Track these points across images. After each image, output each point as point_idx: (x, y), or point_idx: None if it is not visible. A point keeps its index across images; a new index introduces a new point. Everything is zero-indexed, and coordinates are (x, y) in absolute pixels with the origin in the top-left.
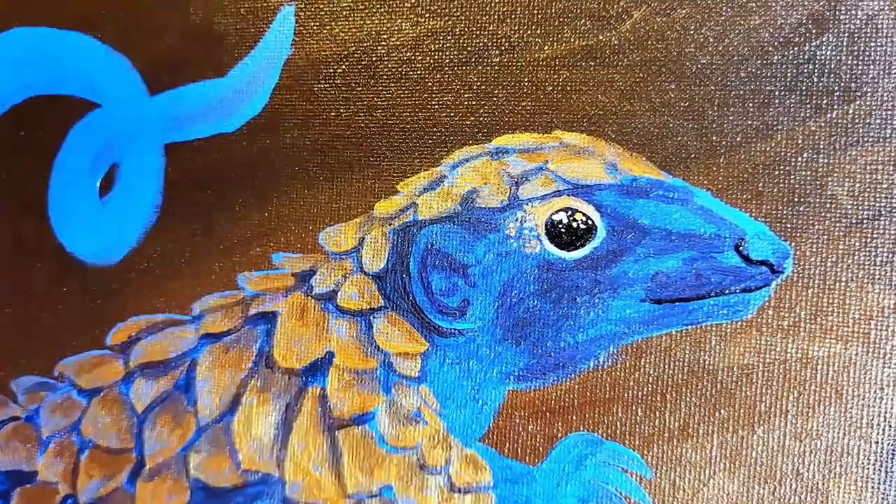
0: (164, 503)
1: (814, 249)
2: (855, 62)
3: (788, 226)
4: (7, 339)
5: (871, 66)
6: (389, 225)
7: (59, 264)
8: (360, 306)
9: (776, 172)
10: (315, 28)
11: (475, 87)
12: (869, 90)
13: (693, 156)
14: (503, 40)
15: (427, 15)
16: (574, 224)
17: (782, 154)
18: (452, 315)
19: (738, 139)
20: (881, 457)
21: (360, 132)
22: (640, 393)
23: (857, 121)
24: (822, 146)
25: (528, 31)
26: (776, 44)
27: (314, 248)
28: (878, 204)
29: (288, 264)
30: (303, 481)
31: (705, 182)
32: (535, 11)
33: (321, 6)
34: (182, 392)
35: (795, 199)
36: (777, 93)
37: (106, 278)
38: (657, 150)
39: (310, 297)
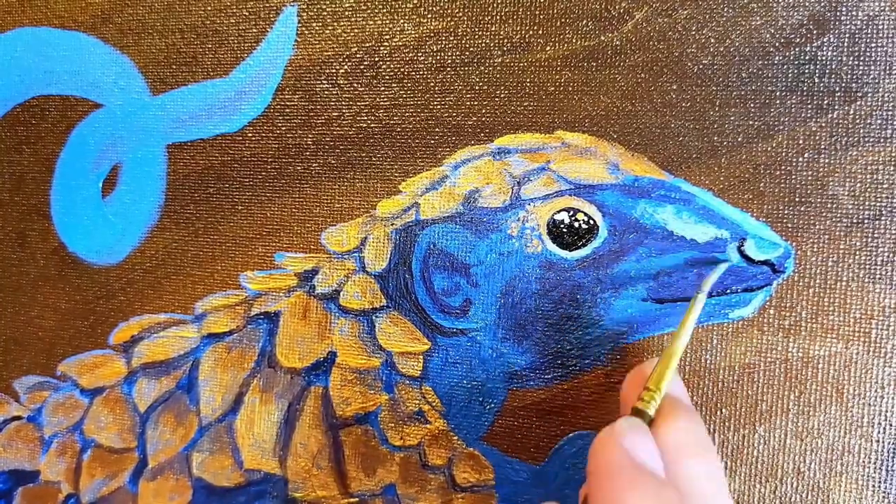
0: (166, 502)
1: (815, 249)
2: (856, 63)
3: (790, 225)
4: (9, 338)
5: (872, 67)
6: (392, 225)
7: (62, 264)
8: (363, 306)
9: (777, 172)
10: (317, 28)
11: (477, 88)
12: (870, 91)
13: (695, 156)
14: (505, 41)
15: (429, 15)
16: (576, 224)
17: (783, 154)
18: (454, 314)
19: (739, 139)
20: (882, 455)
21: (363, 132)
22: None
23: (858, 121)
24: (823, 146)
25: (531, 32)
26: (777, 44)
27: (316, 248)
28: (878, 204)
29: (290, 264)
30: (305, 480)
31: (707, 182)
32: (538, 12)
33: (324, 6)
34: (184, 391)
35: (797, 199)
36: (778, 93)
37: (108, 278)
38: (659, 150)
39: (312, 297)
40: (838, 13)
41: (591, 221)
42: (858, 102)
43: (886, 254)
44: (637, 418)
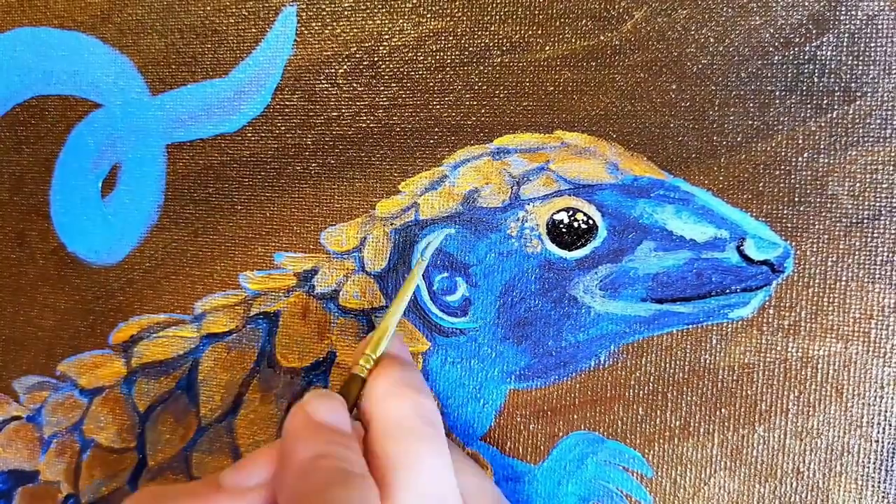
0: None
1: (814, 249)
2: (855, 62)
3: (789, 225)
4: (8, 338)
5: (872, 67)
6: (391, 224)
7: (61, 264)
8: (362, 305)
9: (777, 172)
10: (317, 28)
11: (476, 88)
12: (869, 90)
13: (694, 156)
14: (504, 40)
15: (429, 15)
16: (575, 224)
17: (783, 154)
18: (454, 314)
19: (738, 139)
20: (881, 455)
21: (362, 132)
22: (641, 392)
23: (857, 121)
24: (822, 146)
25: (530, 32)
26: (777, 44)
27: (316, 248)
28: (878, 204)
29: (290, 264)
30: None
31: (706, 182)
32: (537, 12)
33: (323, 6)
34: (184, 391)
35: (796, 199)
36: (778, 93)
37: (107, 278)
38: (658, 150)
39: (312, 297)
40: (838, 13)
41: (591, 221)
42: (858, 102)
43: (886, 254)
44: (322, 388)
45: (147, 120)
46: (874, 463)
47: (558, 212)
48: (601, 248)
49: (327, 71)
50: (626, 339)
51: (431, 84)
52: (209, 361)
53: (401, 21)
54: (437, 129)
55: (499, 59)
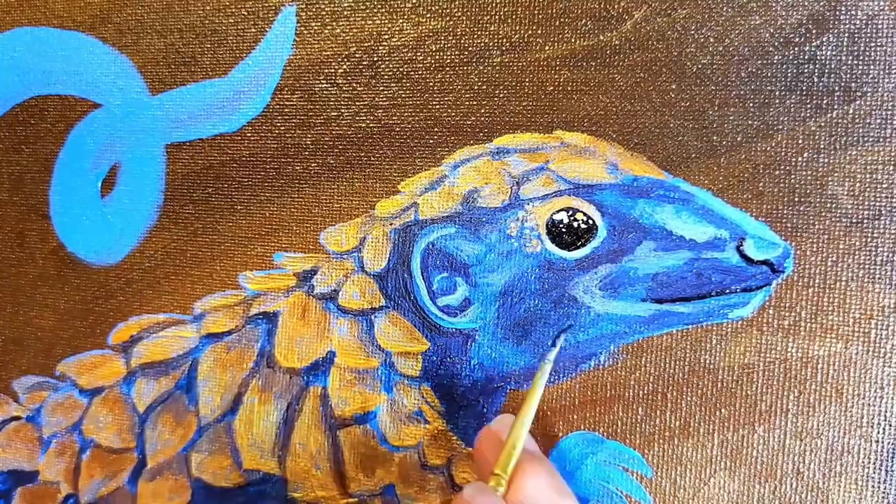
0: (165, 502)
1: (814, 249)
2: (855, 62)
3: (789, 225)
4: (8, 338)
5: (872, 66)
6: (391, 224)
7: (61, 264)
8: (362, 306)
9: (777, 172)
10: (316, 28)
11: (476, 88)
12: (869, 90)
13: (694, 155)
14: (504, 40)
15: (428, 15)
16: (575, 224)
17: (783, 154)
18: (453, 314)
19: (738, 139)
20: (881, 456)
21: (362, 132)
22: (640, 392)
23: (857, 121)
24: (822, 146)
25: (529, 32)
26: (777, 44)
27: (315, 248)
28: (878, 203)
29: (289, 264)
30: (304, 480)
31: (706, 182)
32: (536, 12)
33: (322, 6)
34: (183, 392)
35: (796, 199)
36: (777, 93)
37: (107, 278)
38: (658, 149)
39: (311, 297)
40: (837, 13)
41: (591, 221)
42: (857, 102)
43: (886, 254)
44: (482, 483)
45: (146, 120)
46: (874, 463)
47: (558, 212)
48: (601, 249)
49: (327, 71)
50: (626, 339)
51: (431, 84)
52: (209, 361)
53: (400, 21)
54: (436, 129)
55: (498, 59)
